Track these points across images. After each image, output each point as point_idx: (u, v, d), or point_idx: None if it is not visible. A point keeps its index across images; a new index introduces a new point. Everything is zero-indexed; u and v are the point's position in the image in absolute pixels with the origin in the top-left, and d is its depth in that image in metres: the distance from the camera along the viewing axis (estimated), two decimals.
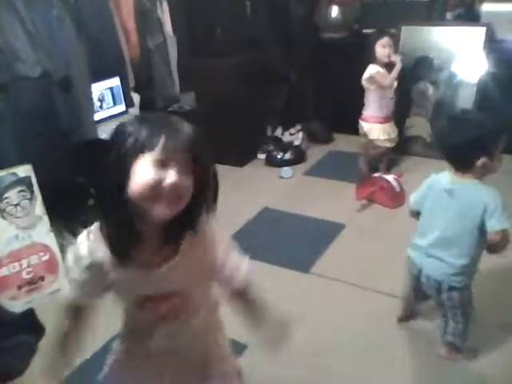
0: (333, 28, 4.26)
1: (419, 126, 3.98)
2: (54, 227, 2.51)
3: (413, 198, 1.91)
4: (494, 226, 1.63)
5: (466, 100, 3.82)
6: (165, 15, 3.60)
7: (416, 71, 3.94)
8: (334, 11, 4.23)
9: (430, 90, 3.93)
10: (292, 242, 2.88)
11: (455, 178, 1.75)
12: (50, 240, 2.46)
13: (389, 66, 3.27)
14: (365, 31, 4.19)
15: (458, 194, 1.72)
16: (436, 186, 1.80)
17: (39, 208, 2.40)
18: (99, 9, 3.17)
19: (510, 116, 3.56)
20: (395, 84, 3.32)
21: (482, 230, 1.67)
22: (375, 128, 3.33)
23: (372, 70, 3.24)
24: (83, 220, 3.07)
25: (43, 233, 2.42)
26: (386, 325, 2.20)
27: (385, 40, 3.24)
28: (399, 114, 3.70)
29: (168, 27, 3.63)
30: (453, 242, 1.74)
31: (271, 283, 2.49)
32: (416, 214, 1.91)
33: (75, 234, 2.92)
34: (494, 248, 1.69)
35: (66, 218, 2.88)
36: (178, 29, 3.68)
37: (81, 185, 3.11)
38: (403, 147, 3.93)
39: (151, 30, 3.52)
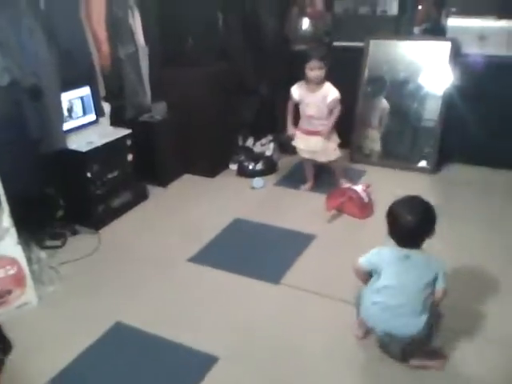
0: (303, 40, 4.31)
1: (373, 137, 4.12)
2: (22, 239, 2.47)
3: (365, 262, 2.07)
4: (441, 285, 1.98)
5: (431, 112, 3.94)
6: (136, 25, 3.59)
7: (373, 87, 4.10)
8: (305, 24, 4.29)
9: (384, 104, 4.05)
10: (262, 253, 2.90)
11: (408, 251, 1.99)
12: (18, 253, 2.41)
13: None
14: (335, 44, 4.27)
15: (415, 261, 1.98)
16: (389, 254, 2.01)
17: (6, 220, 2.36)
18: (70, 18, 3.15)
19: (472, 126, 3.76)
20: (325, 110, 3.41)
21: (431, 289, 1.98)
22: (297, 138, 3.57)
23: (293, 88, 3.52)
24: (52, 232, 3.05)
25: (10, 245, 2.37)
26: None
27: (312, 63, 3.33)
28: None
29: (140, 37, 3.62)
30: (409, 299, 1.96)
31: (242, 294, 2.53)
32: (367, 274, 2.10)
33: (43, 247, 2.89)
34: (439, 302, 2.02)
35: (34, 230, 2.84)
36: (149, 38, 3.68)
37: (49, 196, 3.07)
38: (359, 158, 4.13)
39: (123, 39, 3.50)
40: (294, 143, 3.63)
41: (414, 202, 2.02)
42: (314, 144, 3.49)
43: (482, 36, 3.80)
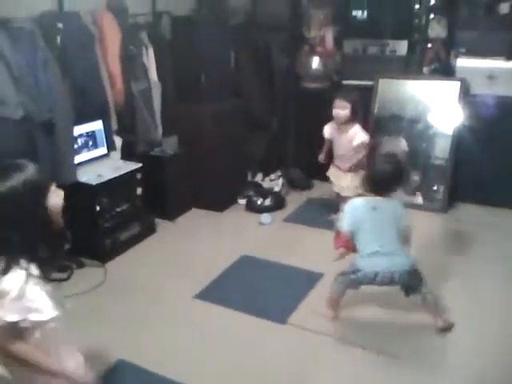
0: (313, 78, 4.37)
1: None
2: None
3: (346, 225, 2.42)
4: (405, 224, 2.40)
5: (442, 151, 3.94)
6: (150, 61, 3.67)
7: (389, 126, 4.09)
8: (315, 62, 4.36)
9: (403, 144, 4.03)
10: (270, 291, 2.86)
11: (377, 199, 2.40)
12: None
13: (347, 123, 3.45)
14: (345, 82, 4.33)
15: (381, 209, 2.38)
16: (361, 207, 2.41)
17: None
18: (85, 53, 3.22)
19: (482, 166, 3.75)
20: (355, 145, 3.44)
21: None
22: (330, 171, 3.65)
23: (325, 127, 3.59)
24: (58, 264, 3.02)
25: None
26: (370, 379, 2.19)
27: (336, 102, 3.42)
28: None
29: (153, 73, 3.70)
30: (388, 241, 2.35)
31: (247, 334, 2.49)
32: (352, 234, 2.42)
33: (49, 279, 2.87)
34: (408, 238, 2.42)
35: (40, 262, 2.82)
36: (163, 75, 3.75)
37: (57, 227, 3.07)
38: None
39: (136, 75, 3.57)
40: (327, 173, 3.68)
41: (387, 158, 2.52)
42: (342, 180, 3.54)
43: (491, 76, 3.83)
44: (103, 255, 3.18)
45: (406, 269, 2.33)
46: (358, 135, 3.43)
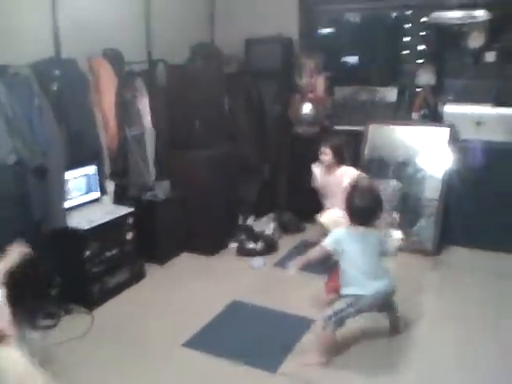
0: (305, 124, 4.45)
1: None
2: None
3: (330, 244, 2.62)
4: (389, 250, 2.66)
5: (432, 194, 3.96)
6: (144, 108, 3.74)
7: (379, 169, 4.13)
8: (307, 108, 4.45)
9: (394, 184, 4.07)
10: (260, 338, 2.81)
11: (363, 229, 2.58)
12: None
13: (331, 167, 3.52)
14: (336, 127, 4.40)
15: (368, 238, 2.56)
16: (348, 236, 2.58)
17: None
18: (81, 99, 3.29)
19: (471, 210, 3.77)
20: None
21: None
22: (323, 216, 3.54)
23: (315, 169, 3.65)
24: (45, 311, 2.98)
25: None
26: None
27: (322, 148, 3.51)
28: None
29: (147, 119, 3.76)
30: (375, 266, 2.56)
31: (236, 383, 2.42)
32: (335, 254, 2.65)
33: (36, 327, 2.83)
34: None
35: (27, 308, 2.79)
36: (157, 121, 3.81)
37: (44, 273, 3.04)
38: None
39: (130, 121, 3.64)
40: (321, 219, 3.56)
41: (367, 191, 2.66)
42: (334, 213, 3.42)
43: (479, 122, 3.91)
44: (91, 302, 3.13)
45: (391, 289, 2.60)
46: (347, 174, 3.41)
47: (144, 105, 3.76)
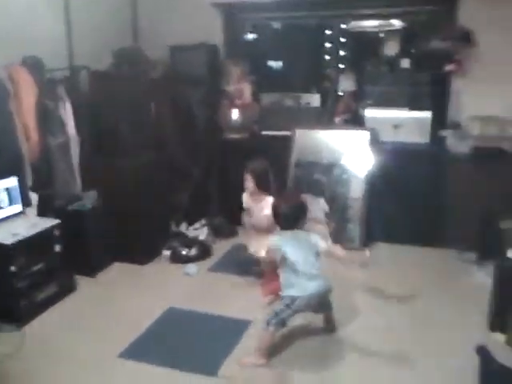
0: (234, 129, 4.52)
1: None
2: None
3: (273, 246, 2.72)
4: (323, 246, 2.74)
5: (356, 194, 4.15)
6: (68, 115, 3.62)
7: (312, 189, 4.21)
8: (235, 114, 4.51)
9: (322, 204, 4.16)
10: (198, 343, 2.81)
11: (295, 232, 2.73)
12: None
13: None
14: (264, 133, 4.50)
15: (300, 239, 2.71)
16: (284, 239, 2.69)
17: None
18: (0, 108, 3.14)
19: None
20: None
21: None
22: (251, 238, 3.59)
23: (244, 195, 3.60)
24: None
25: None
26: None
27: (245, 175, 3.46)
28: None
29: (71, 127, 3.64)
30: (312, 266, 2.65)
31: None
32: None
33: None
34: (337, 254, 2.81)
35: None
36: (81, 128, 3.71)
37: None
38: None
39: (53, 129, 3.52)
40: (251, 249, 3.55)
41: (289, 197, 2.98)
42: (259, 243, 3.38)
43: (396, 125, 4.16)
44: (19, 318, 2.98)
45: (327, 289, 2.69)
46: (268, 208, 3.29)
47: (67, 112, 3.65)
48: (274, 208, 2.83)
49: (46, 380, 2.51)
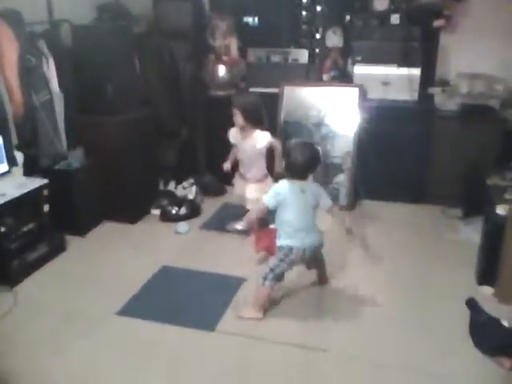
0: (220, 86, 4.44)
1: None
2: None
3: (272, 203, 2.64)
4: (327, 204, 2.72)
5: (344, 149, 4.15)
6: (51, 72, 3.49)
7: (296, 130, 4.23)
8: (221, 70, 4.42)
9: None
10: (194, 300, 2.85)
11: (302, 183, 2.65)
12: None
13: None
14: (251, 89, 4.43)
15: (307, 192, 2.64)
16: (290, 189, 2.63)
17: None
18: None
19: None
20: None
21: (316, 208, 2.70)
22: (235, 180, 3.58)
23: (230, 131, 3.49)
24: None
25: None
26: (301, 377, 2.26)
27: (233, 109, 3.34)
28: None
29: (54, 84, 3.52)
30: (310, 220, 2.67)
31: (177, 346, 2.46)
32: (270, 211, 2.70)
33: None
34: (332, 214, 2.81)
35: None
36: (65, 85, 3.58)
37: None
38: None
39: (37, 86, 3.39)
40: (233, 181, 3.62)
41: (304, 146, 2.71)
42: (247, 191, 3.42)
43: (385, 82, 4.14)
44: (11, 278, 2.96)
45: (320, 243, 2.73)
46: (260, 139, 3.33)
47: (50, 68, 3.51)
48: (286, 155, 2.71)
49: (40, 338, 2.52)
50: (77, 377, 2.27)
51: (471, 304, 2.62)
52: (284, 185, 2.65)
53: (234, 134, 3.48)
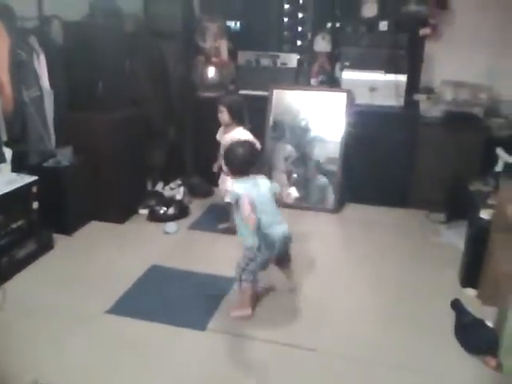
0: (209, 87, 4.46)
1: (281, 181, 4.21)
2: None
3: (231, 195, 2.58)
4: (277, 189, 2.73)
5: (331, 156, 4.22)
6: (41, 68, 3.47)
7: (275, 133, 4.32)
8: (211, 72, 4.45)
9: (289, 149, 4.28)
10: (184, 299, 2.86)
11: (249, 177, 2.66)
12: None
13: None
14: (240, 92, 4.46)
15: (259, 184, 2.65)
16: (246, 186, 2.59)
17: None
18: None
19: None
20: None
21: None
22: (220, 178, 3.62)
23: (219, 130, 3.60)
24: None
25: None
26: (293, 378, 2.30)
27: (218, 106, 3.47)
28: None
29: (45, 80, 3.50)
30: (275, 211, 2.67)
31: (168, 345, 2.47)
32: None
33: None
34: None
35: None
36: (55, 82, 3.57)
37: None
38: None
39: (27, 82, 3.36)
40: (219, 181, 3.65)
41: (242, 143, 2.77)
42: (226, 184, 3.47)
43: (372, 88, 4.22)
44: (0, 275, 2.93)
45: (289, 235, 2.69)
46: (242, 134, 3.38)
47: (41, 64, 3.49)
48: (225, 153, 2.76)
49: (31, 336, 2.50)
50: (66, 374, 2.26)
51: (456, 305, 2.71)
52: (239, 183, 2.62)
53: (220, 133, 3.60)
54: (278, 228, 2.63)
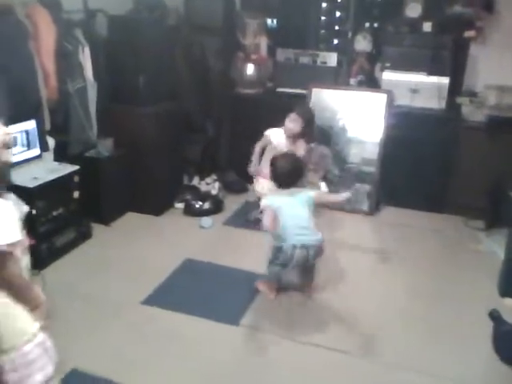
0: (248, 84, 4.46)
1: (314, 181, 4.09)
2: None
3: (268, 202, 2.73)
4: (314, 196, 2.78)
5: (370, 157, 4.17)
6: (86, 60, 3.54)
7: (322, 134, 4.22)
8: (250, 69, 4.45)
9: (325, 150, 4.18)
10: (218, 294, 2.88)
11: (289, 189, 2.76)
12: None
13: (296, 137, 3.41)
14: (278, 89, 4.45)
15: (295, 194, 2.72)
16: (278, 196, 2.74)
17: None
18: (19, 50, 3.05)
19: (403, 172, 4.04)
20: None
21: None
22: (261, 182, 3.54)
23: (273, 131, 3.48)
24: None
25: None
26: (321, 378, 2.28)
27: (293, 115, 3.36)
28: None
29: (89, 72, 3.57)
30: (306, 221, 2.69)
31: (201, 338, 2.49)
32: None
33: None
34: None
35: None
36: (98, 74, 3.63)
37: None
38: None
39: (72, 73, 3.44)
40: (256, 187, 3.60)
41: (288, 156, 2.86)
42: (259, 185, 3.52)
43: (413, 89, 4.14)
44: (39, 261, 3.00)
45: (319, 244, 2.68)
46: (304, 147, 3.40)
47: (86, 56, 3.56)
48: (271, 166, 2.83)
49: (69, 322, 2.55)
50: (103, 362, 2.30)
51: (494, 315, 2.64)
52: (271, 196, 2.81)
53: (278, 135, 3.47)
54: (302, 236, 2.63)
